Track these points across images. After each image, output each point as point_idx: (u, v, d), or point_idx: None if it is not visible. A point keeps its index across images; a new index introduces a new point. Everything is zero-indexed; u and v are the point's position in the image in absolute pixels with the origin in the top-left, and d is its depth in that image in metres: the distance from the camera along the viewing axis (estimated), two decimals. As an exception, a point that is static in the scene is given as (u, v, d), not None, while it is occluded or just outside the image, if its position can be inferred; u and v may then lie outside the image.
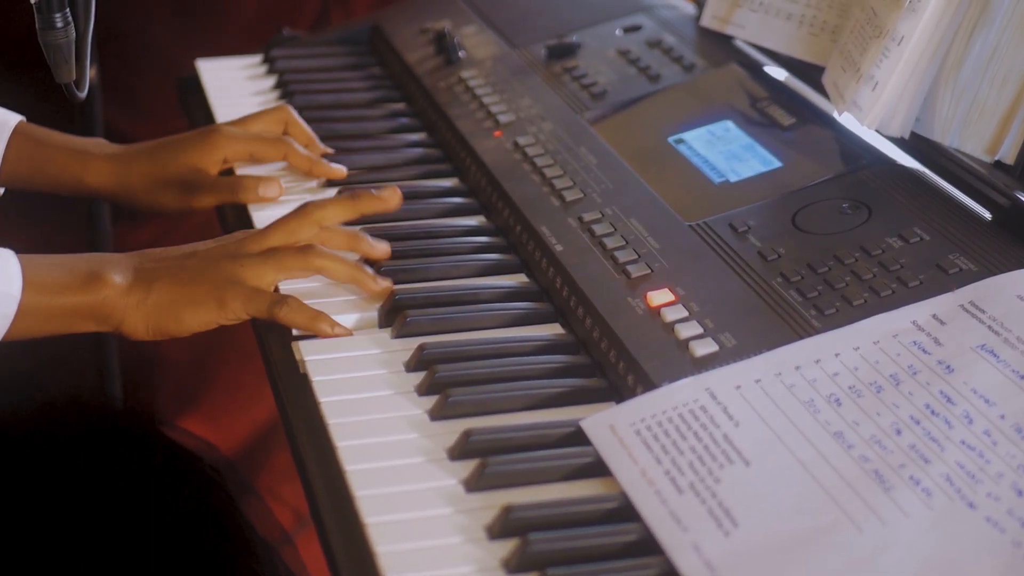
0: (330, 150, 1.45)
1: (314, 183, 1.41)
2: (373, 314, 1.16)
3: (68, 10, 1.15)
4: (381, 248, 1.23)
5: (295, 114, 1.45)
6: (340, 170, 1.40)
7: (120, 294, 1.14)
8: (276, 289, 1.18)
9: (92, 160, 1.39)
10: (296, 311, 1.14)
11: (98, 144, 1.42)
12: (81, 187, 1.40)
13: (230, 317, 1.15)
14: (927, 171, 1.22)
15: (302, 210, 1.21)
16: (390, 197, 1.26)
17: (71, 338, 1.18)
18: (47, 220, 1.33)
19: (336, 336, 1.13)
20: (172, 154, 1.39)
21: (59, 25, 1.15)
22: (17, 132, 1.39)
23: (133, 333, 1.16)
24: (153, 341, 1.16)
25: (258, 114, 1.45)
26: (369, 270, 1.19)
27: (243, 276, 1.16)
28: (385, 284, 1.18)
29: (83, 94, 1.22)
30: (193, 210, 1.39)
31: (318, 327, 1.13)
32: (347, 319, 1.15)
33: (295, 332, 1.14)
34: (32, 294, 1.12)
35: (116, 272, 1.15)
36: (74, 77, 1.19)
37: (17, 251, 1.14)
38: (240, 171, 1.42)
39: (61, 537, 1.22)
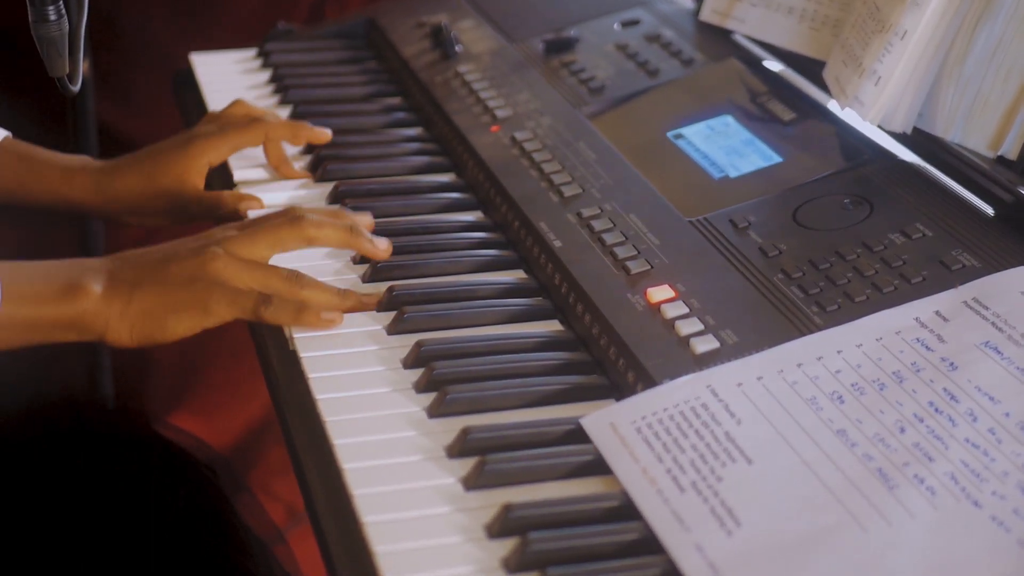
0: (326, 135, 1.44)
1: (306, 180, 1.40)
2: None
3: (61, 3, 1.14)
4: (383, 246, 1.19)
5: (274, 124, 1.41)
6: (325, 132, 1.39)
7: (100, 303, 1.11)
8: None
9: (76, 175, 1.37)
10: (280, 308, 1.11)
11: (83, 160, 1.40)
12: (66, 203, 1.38)
13: (215, 321, 1.12)
14: (929, 166, 1.22)
15: (295, 224, 1.16)
16: (385, 251, 1.20)
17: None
18: (38, 219, 1.32)
19: (326, 323, 1.11)
20: (155, 167, 1.36)
21: (52, 18, 1.14)
22: (2, 148, 1.37)
23: (118, 341, 1.12)
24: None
25: (235, 104, 1.43)
26: (366, 232, 1.17)
27: (225, 278, 1.12)
28: (385, 245, 1.16)
29: (76, 88, 1.21)
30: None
31: (304, 320, 1.11)
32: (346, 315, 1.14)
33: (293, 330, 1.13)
34: (10, 306, 1.08)
35: (95, 281, 1.11)
36: (67, 71, 1.18)
37: (5, 252, 1.12)
38: (235, 168, 1.41)
39: (60, 538, 1.21)
